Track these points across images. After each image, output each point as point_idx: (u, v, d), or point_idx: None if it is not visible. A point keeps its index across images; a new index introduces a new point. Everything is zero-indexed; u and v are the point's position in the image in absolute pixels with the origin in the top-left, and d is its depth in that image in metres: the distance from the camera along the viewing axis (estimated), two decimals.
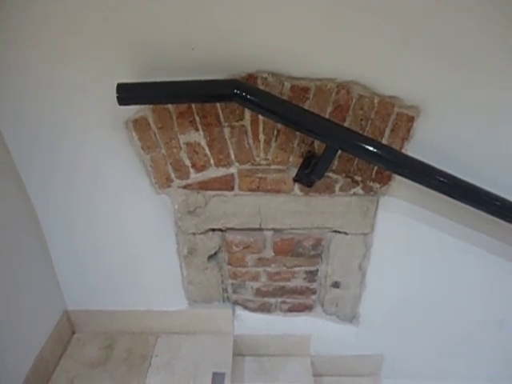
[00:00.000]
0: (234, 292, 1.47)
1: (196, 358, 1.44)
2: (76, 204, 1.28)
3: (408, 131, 1.09)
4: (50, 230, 1.35)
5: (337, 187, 1.20)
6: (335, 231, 1.30)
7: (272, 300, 1.48)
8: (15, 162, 1.20)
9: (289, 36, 0.99)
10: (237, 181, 1.21)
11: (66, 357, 1.44)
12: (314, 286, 1.43)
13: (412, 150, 1.11)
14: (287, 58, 1.01)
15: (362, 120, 1.08)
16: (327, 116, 1.07)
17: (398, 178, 1.16)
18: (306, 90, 1.04)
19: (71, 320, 1.51)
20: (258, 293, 1.46)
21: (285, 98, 1.05)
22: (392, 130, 1.10)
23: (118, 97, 0.93)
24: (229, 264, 1.39)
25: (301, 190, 1.21)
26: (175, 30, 0.98)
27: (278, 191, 1.22)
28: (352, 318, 1.50)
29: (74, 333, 1.54)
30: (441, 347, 1.55)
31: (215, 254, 1.38)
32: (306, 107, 1.06)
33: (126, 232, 1.33)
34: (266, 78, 1.03)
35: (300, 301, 1.47)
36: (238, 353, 1.58)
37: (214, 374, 1.37)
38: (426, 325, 1.50)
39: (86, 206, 1.28)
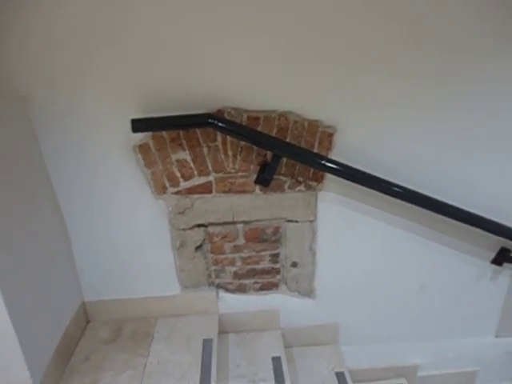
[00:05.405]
0: (217, 277, 1.87)
1: (189, 331, 1.80)
2: (95, 208, 1.67)
3: (330, 143, 1.59)
4: (74, 232, 1.72)
5: (286, 186, 1.67)
6: (289, 220, 1.75)
7: (246, 281, 1.88)
8: (48, 169, 1.58)
9: (244, 83, 1.49)
10: (214, 186, 1.65)
11: (84, 338, 1.79)
12: (277, 266, 1.86)
13: (335, 155, 1.61)
14: (243, 97, 1.51)
15: (298, 137, 1.58)
16: (274, 135, 1.56)
17: (328, 176, 1.65)
18: (257, 118, 1.53)
19: (86, 310, 1.86)
20: (236, 276, 1.86)
21: (244, 124, 1.53)
22: (319, 143, 1.59)
23: (132, 126, 1.40)
24: (211, 252, 1.81)
25: (260, 190, 1.67)
26: (172, 81, 1.47)
27: (244, 192, 1.67)
28: (310, 292, 1.92)
29: (88, 322, 1.89)
30: (384, 312, 1.98)
31: (201, 245, 1.79)
32: (259, 129, 1.55)
33: (133, 230, 1.72)
34: (230, 112, 1.52)
35: (268, 280, 1.88)
36: (223, 330, 1.95)
37: (204, 340, 1.75)
38: (368, 294, 1.93)
39: (103, 209, 1.67)
